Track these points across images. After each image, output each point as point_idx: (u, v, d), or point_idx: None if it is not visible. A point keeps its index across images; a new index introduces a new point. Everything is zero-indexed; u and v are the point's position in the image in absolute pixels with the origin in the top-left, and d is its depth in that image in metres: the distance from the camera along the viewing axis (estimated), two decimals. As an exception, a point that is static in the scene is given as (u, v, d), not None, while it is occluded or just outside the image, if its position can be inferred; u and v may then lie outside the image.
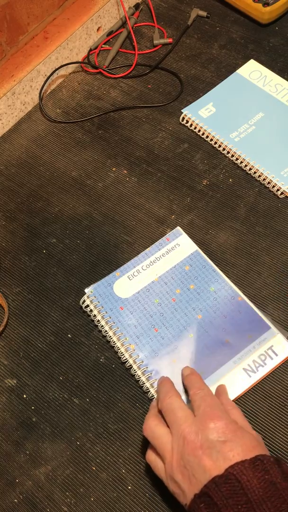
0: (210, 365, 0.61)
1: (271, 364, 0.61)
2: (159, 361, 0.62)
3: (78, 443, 0.60)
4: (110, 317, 0.65)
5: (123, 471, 0.58)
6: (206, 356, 0.62)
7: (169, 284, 0.67)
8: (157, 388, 0.58)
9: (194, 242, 0.70)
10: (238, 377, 0.60)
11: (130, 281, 0.68)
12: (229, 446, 0.48)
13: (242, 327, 0.63)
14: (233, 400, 0.59)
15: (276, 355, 0.61)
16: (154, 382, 0.61)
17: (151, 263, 0.69)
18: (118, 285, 0.68)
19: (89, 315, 0.67)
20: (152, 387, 0.61)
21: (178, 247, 0.70)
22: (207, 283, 0.67)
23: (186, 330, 0.64)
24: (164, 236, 0.71)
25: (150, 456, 0.54)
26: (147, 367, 0.62)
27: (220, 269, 0.68)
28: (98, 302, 0.67)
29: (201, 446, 0.48)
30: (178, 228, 0.72)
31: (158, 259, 0.69)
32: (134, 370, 0.62)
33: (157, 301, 0.66)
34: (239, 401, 0.60)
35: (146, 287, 0.67)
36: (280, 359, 0.61)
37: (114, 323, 0.65)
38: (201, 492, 0.46)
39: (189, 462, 0.48)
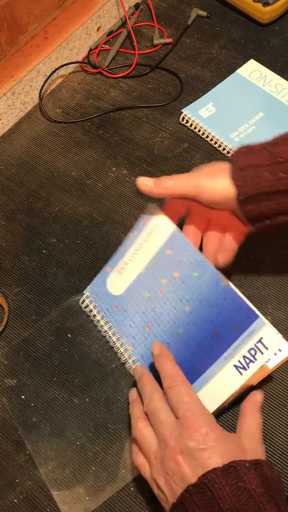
0: (201, 363, 0.59)
1: (262, 359, 0.57)
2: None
3: (78, 443, 0.60)
4: (108, 318, 0.65)
5: (123, 471, 0.58)
6: (197, 352, 0.60)
7: (155, 274, 0.64)
8: (138, 385, 0.57)
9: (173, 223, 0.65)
10: (229, 376, 0.58)
11: (120, 276, 0.66)
12: (208, 453, 0.47)
13: (229, 318, 0.59)
14: (226, 401, 0.58)
15: (267, 349, 0.57)
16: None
17: (135, 252, 0.66)
18: (111, 282, 0.66)
19: (89, 315, 0.67)
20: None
21: (157, 228, 0.65)
22: (190, 268, 0.62)
23: (176, 325, 0.62)
24: (141, 219, 0.66)
25: (138, 458, 0.53)
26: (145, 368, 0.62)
27: (218, 268, 0.67)
28: (96, 302, 0.67)
29: (181, 452, 0.48)
30: (150, 205, 0.66)
31: (141, 246, 0.65)
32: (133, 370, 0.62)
33: (147, 295, 0.64)
34: (240, 400, 0.60)
35: (135, 280, 0.65)
36: (271, 353, 0.57)
37: (112, 323, 0.65)
38: (178, 502, 0.46)
39: (169, 467, 0.48)
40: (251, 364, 0.57)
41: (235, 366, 0.57)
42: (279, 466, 0.57)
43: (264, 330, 0.57)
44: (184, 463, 0.47)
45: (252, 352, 0.57)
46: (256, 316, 0.57)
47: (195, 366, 0.59)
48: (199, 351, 0.60)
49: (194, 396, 0.52)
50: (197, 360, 0.60)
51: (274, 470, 0.47)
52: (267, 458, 0.57)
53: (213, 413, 0.56)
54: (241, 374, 0.57)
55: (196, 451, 0.47)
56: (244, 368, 0.57)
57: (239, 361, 0.57)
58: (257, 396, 0.55)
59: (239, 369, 0.57)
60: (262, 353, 0.57)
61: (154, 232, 0.65)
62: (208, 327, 0.60)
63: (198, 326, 0.61)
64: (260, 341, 0.57)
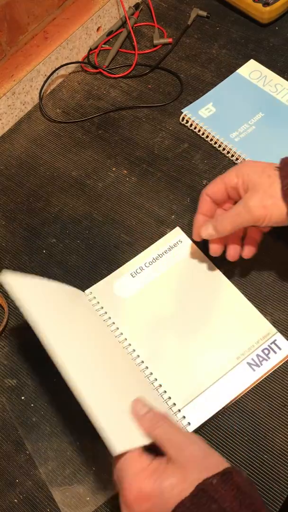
0: (212, 363, 0.61)
1: (275, 358, 0.61)
2: (158, 361, 0.62)
3: (78, 443, 0.60)
4: (110, 317, 0.65)
5: (123, 471, 0.58)
6: (208, 353, 0.62)
7: (169, 283, 0.67)
8: None
9: (192, 241, 0.70)
10: (242, 372, 0.60)
11: (130, 281, 0.68)
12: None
13: (243, 325, 0.64)
14: (237, 397, 0.59)
15: (280, 349, 0.61)
16: (154, 382, 0.61)
17: (150, 264, 0.69)
18: (118, 285, 0.68)
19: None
20: (152, 386, 0.61)
21: (178, 246, 0.70)
22: (207, 282, 0.67)
23: (186, 328, 0.64)
24: (163, 236, 0.71)
25: None
26: (146, 367, 0.62)
27: (220, 269, 0.68)
28: (98, 302, 0.67)
29: None
30: (178, 228, 0.72)
31: (155, 260, 0.69)
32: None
33: (157, 301, 0.66)
34: (240, 400, 0.60)
35: (145, 286, 0.67)
36: (284, 354, 0.61)
37: (113, 323, 0.65)
38: None
39: None
40: (264, 362, 0.61)
41: (249, 364, 0.61)
42: (279, 466, 0.57)
43: (278, 335, 0.63)
44: None
45: (266, 351, 0.62)
46: (269, 325, 0.63)
47: (206, 366, 0.62)
48: (211, 352, 0.64)
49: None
50: (208, 361, 0.62)
51: (243, 474, 0.45)
52: (267, 458, 0.57)
53: (226, 406, 0.59)
54: (254, 370, 0.61)
55: None
56: (257, 365, 0.61)
57: (253, 359, 0.61)
58: (139, 409, 0.52)
59: (253, 366, 0.61)
60: (276, 353, 0.62)
61: (173, 250, 0.70)
62: (221, 331, 0.66)
63: (211, 330, 0.64)
64: (274, 342, 0.62)
